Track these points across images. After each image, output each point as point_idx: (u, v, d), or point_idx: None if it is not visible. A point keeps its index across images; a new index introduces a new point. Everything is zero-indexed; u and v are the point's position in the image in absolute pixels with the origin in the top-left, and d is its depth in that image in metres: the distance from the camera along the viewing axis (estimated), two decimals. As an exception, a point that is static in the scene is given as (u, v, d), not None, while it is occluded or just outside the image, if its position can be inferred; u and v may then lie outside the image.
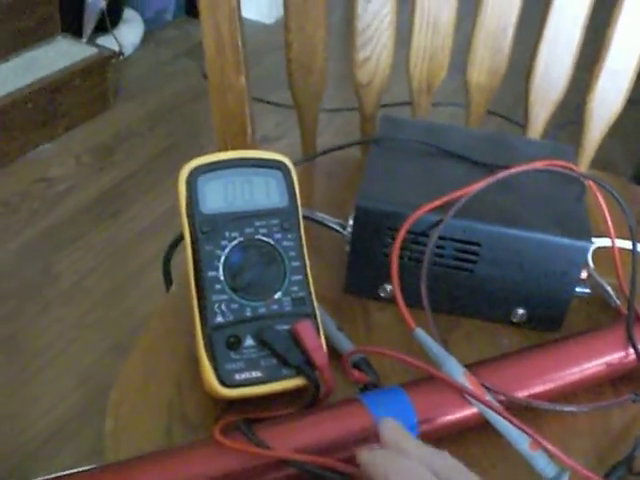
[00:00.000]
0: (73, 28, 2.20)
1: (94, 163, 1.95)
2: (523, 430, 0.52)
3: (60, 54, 2.06)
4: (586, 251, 0.63)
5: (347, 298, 0.70)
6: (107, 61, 2.12)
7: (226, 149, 0.81)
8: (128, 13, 2.46)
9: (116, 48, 2.29)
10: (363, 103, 0.88)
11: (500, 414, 0.53)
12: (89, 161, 1.96)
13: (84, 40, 2.22)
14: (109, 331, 1.49)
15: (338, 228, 0.71)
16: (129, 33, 2.44)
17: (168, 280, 0.73)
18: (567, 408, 0.57)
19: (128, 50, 2.43)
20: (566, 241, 0.63)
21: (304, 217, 0.69)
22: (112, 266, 1.66)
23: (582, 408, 0.58)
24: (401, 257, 0.66)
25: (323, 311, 0.64)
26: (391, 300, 0.62)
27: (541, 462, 0.53)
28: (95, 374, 1.40)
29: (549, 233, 0.63)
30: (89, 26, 2.25)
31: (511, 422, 0.52)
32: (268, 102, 2.16)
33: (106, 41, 2.29)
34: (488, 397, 0.54)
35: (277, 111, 2.13)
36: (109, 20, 2.29)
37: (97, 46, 2.17)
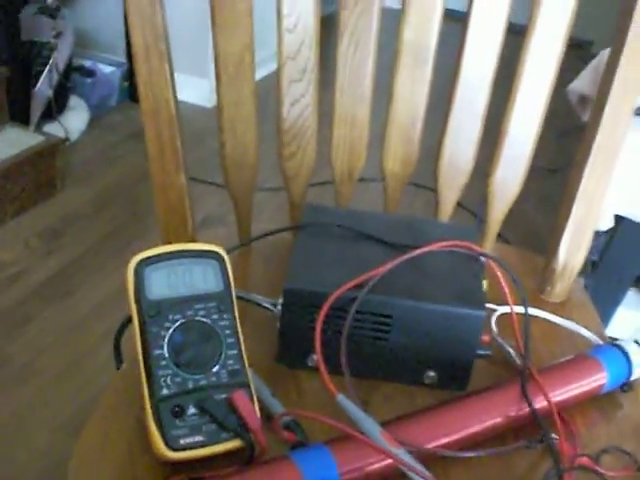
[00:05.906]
0: (21, 116, 2.30)
1: (42, 246, 2.02)
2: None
3: (8, 143, 2.15)
4: (480, 319, 0.73)
5: (280, 367, 0.79)
6: (54, 148, 2.20)
7: (169, 240, 0.89)
8: (74, 100, 2.56)
9: (62, 134, 2.38)
10: (291, 193, 0.97)
11: (409, 466, 0.62)
12: (38, 245, 2.03)
13: (31, 128, 2.30)
14: (61, 409, 1.55)
15: (270, 307, 0.80)
16: (75, 119, 2.54)
17: (119, 359, 0.81)
18: (466, 454, 0.66)
19: (74, 136, 2.53)
20: (463, 311, 0.73)
21: (240, 298, 0.79)
22: (63, 346, 1.72)
23: (479, 453, 0.67)
24: (325, 331, 0.75)
25: (258, 380, 0.73)
26: (318, 368, 0.71)
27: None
28: (48, 451, 1.45)
29: (449, 305, 0.73)
30: (36, 114, 2.35)
31: (415, 471, 0.61)
32: (210, 183, 2.27)
33: (53, 127, 2.39)
34: (402, 451, 0.63)
35: (219, 192, 2.23)
36: (55, 107, 2.39)
37: (44, 134, 2.26)
